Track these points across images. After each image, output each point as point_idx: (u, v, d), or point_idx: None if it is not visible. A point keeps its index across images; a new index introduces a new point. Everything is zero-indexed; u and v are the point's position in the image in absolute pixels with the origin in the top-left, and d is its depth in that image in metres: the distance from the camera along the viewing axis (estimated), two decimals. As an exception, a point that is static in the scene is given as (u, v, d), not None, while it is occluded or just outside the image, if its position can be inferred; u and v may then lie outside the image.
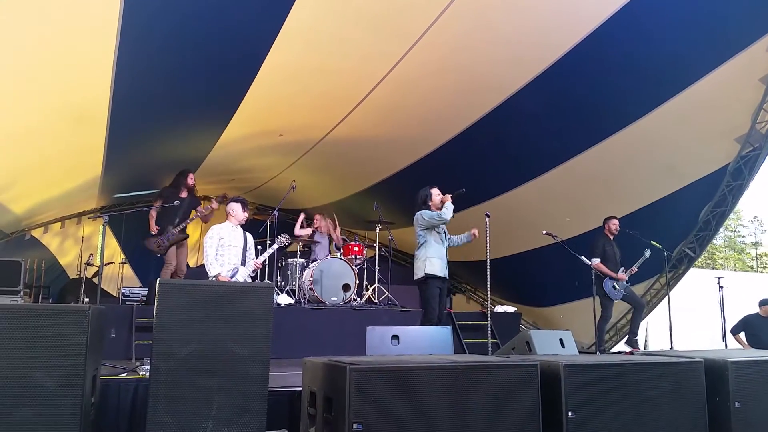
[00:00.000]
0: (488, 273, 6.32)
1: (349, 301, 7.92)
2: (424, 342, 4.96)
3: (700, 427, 3.66)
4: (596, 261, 7.40)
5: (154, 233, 7.50)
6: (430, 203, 6.32)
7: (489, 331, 6.38)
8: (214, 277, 6.13)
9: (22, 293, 8.17)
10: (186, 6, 5.18)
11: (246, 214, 6.43)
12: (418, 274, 6.18)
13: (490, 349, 6.34)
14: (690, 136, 7.13)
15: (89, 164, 8.13)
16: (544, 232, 7.25)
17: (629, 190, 8.03)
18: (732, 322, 8.15)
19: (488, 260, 6.33)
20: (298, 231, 9.10)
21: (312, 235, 9.23)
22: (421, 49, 6.11)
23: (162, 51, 5.71)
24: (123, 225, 11.07)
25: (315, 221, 9.49)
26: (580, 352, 6.34)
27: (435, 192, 6.35)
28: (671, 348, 7.47)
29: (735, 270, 39.07)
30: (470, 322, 7.95)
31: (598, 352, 7.38)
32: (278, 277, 8.68)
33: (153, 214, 7.58)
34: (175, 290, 3.44)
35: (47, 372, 3.13)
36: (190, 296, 3.43)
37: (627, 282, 7.59)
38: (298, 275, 8.18)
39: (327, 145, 8.79)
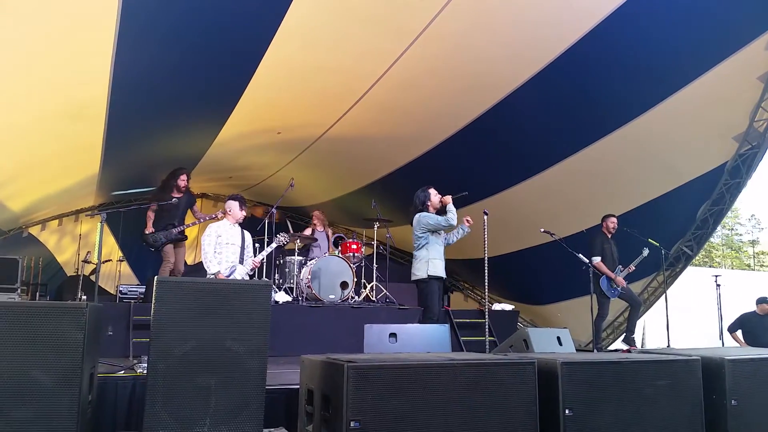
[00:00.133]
0: (486, 271, 6.33)
1: (347, 298, 7.92)
2: (421, 340, 4.96)
3: (696, 424, 3.67)
4: (597, 259, 7.40)
5: (152, 232, 7.48)
6: (428, 204, 6.31)
7: (486, 329, 6.39)
8: (213, 275, 6.14)
9: (19, 291, 8.18)
10: (184, 3, 5.17)
11: (243, 213, 6.43)
12: (419, 274, 6.19)
13: (487, 347, 6.35)
14: (688, 134, 7.13)
15: (87, 161, 8.12)
16: (542, 230, 7.26)
17: (627, 188, 8.04)
18: (729, 320, 8.17)
19: (486, 258, 6.34)
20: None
21: (312, 234, 9.23)
22: (419, 47, 6.11)
23: (160, 48, 5.70)
24: (121, 222, 11.06)
25: (313, 218, 9.48)
26: (577, 350, 6.35)
27: (433, 193, 6.35)
28: (668, 346, 7.48)
29: (732, 268, 39.12)
30: (468, 320, 7.95)
31: (595, 350, 7.40)
32: (276, 275, 8.67)
33: (150, 215, 7.55)
34: (172, 288, 3.44)
35: (44, 370, 3.12)
36: (188, 294, 3.42)
37: (624, 280, 7.59)
38: (296, 273, 8.18)
39: (325, 143, 8.78)
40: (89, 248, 10.35)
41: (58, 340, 3.17)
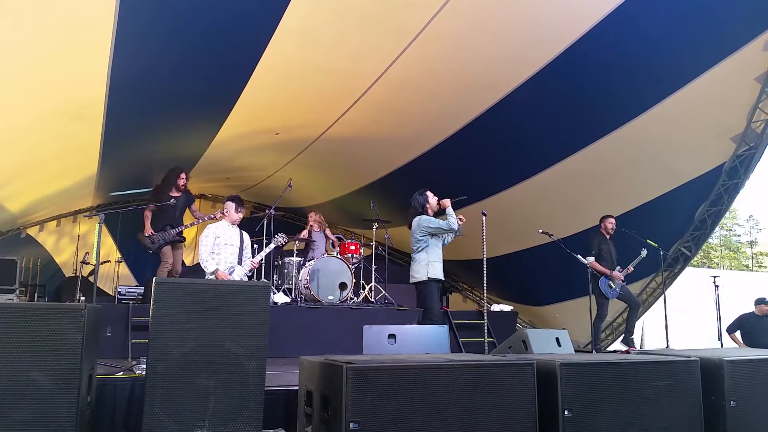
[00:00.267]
0: (485, 272, 6.33)
1: (346, 299, 7.92)
2: (420, 341, 4.97)
3: (695, 425, 3.67)
4: (591, 259, 7.41)
5: (150, 234, 7.46)
6: (427, 207, 6.33)
7: (485, 330, 6.39)
8: (212, 273, 6.13)
9: (17, 292, 8.17)
10: (182, 3, 5.17)
11: (239, 215, 6.40)
12: (419, 276, 6.19)
13: (486, 348, 6.35)
14: (686, 135, 7.14)
15: (85, 162, 8.11)
16: (541, 230, 7.25)
17: (625, 188, 8.04)
18: (728, 321, 8.17)
19: (485, 259, 6.34)
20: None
21: (309, 235, 9.22)
22: (418, 47, 6.11)
23: (158, 49, 5.70)
24: (119, 223, 11.04)
25: (309, 219, 9.47)
26: (576, 351, 6.35)
27: (431, 195, 6.38)
28: (667, 347, 7.49)
29: (731, 269, 39.17)
30: (467, 321, 7.95)
31: (594, 351, 7.39)
32: (275, 276, 8.67)
33: (148, 214, 7.52)
34: (171, 289, 3.44)
35: (43, 371, 3.12)
36: (187, 295, 3.42)
37: (623, 281, 7.60)
38: (294, 274, 8.18)
39: (323, 144, 8.78)
40: (88, 249, 10.34)
41: (56, 342, 3.16)
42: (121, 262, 10.35)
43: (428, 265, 6.15)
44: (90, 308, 3.34)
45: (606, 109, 7.00)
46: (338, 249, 8.91)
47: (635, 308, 7.85)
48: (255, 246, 7.08)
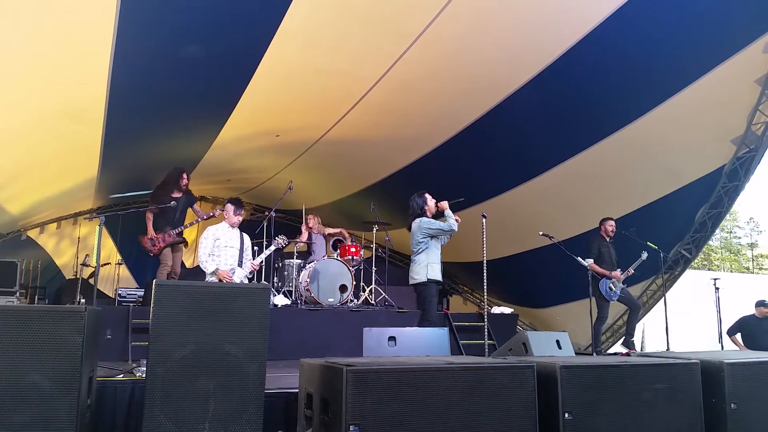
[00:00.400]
0: (485, 274, 6.33)
1: (346, 302, 7.92)
2: (421, 343, 4.96)
3: (696, 428, 3.67)
4: (590, 261, 7.41)
5: (152, 237, 7.45)
6: (426, 209, 6.35)
7: (486, 333, 6.40)
8: (212, 273, 6.12)
9: (18, 294, 8.17)
10: (183, 5, 5.17)
11: (238, 218, 6.39)
12: (419, 278, 6.21)
13: (486, 350, 6.35)
14: (686, 137, 7.14)
15: (86, 164, 8.11)
16: (541, 233, 7.25)
17: (625, 191, 8.04)
18: (728, 323, 8.17)
19: (485, 261, 6.34)
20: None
21: (309, 238, 9.22)
22: (418, 49, 6.11)
23: (159, 50, 5.70)
24: (119, 225, 11.03)
25: (308, 220, 9.47)
26: (576, 353, 6.35)
27: (429, 198, 6.40)
28: (668, 349, 7.48)
29: (731, 271, 39.20)
30: (467, 324, 7.94)
31: (594, 354, 7.39)
32: (275, 278, 8.67)
33: (149, 216, 7.52)
34: (171, 291, 3.44)
35: (43, 373, 3.11)
36: (187, 297, 3.42)
37: (623, 283, 7.60)
38: (294, 276, 8.18)
39: (324, 146, 8.78)
40: (88, 251, 10.35)
41: (56, 344, 3.16)
42: (121, 264, 10.33)
43: (428, 267, 6.16)
44: (90, 310, 3.34)
45: (606, 111, 7.00)
46: (347, 239, 8.85)
47: (636, 311, 7.85)
48: (255, 248, 7.07)
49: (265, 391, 3.49)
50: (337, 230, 9.85)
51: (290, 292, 8.13)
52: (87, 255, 9.82)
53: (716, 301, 7.52)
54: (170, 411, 3.24)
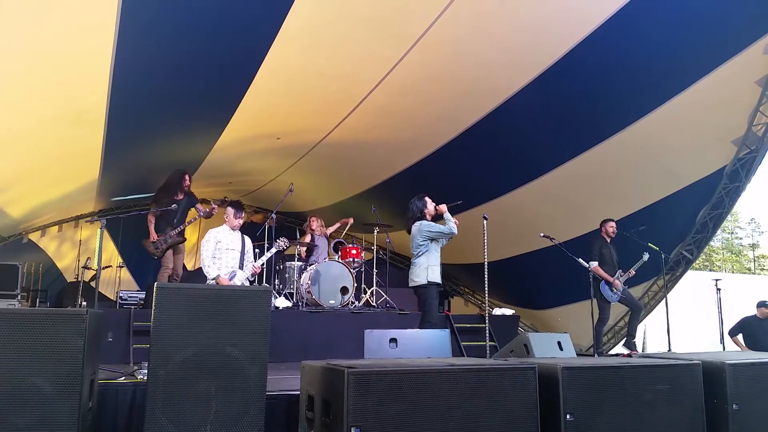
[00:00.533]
0: (486, 275, 6.33)
1: (347, 304, 7.91)
2: (422, 345, 4.96)
3: (697, 429, 3.66)
4: (594, 264, 7.41)
5: (154, 240, 7.45)
6: (426, 212, 6.37)
7: (487, 334, 6.39)
8: (213, 279, 6.14)
9: (19, 297, 8.17)
10: (183, 8, 5.18)
11: (239, 221, 6.41)
12: (419, 280, 6.22)
13: (488, 351, 6.35)
14: (687, 138, 7.14)
15: (87, 167, 8.12)
16: (542, 234, 7.25)
17: (626, 192, 8.04)
18: (730, 324, 8.17)
19: (486, 263, 6.34)
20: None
21: (312, 240, 9.22)
22: (419, 52, 6.12)
23: (160, 52, 5.70)
24: (120, 228, 11.07)
25: (311, 223, 9.47)
26: (578, 354, 6.35)
27: (429, 201, 6.43)
28: (669, 350, 7.48)
29: (732, 272, 39.15)
30: (468, 325, 7.94)
31: (596, 355, 7.38)
32: (276, 280, 8.67)
33: (151, 218, 7.52)
34: (172, 294, 3.44)
35: (45, 376, 3.12)
36: (188, 300, 3.42)
37: (624, 284, 7.59)
38: (296, 278, 8.18)
39: (325, 148, 8.79)
40: (89, 254, 10.35)
41: (58, 347, 3.16)
42: (122, 267, 10.35)
43: (428, 269, 6.19)
44: (91, 313, 3.34)
45: (607, 112, 7.00)
46: (349, 224, 9.05)
47: (637, 312, 7.84)
48: (256, 250, 7.08)
49: (267, 393, 3.49)
50: (337, 225, 9.79)
51: (291, 294, 8.13)
52: (88, 258, 9.82)
53: (718, 302, 7.52)
54: (172, 413, 3.24)
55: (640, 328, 8.53)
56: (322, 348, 6.66)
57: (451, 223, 6.26)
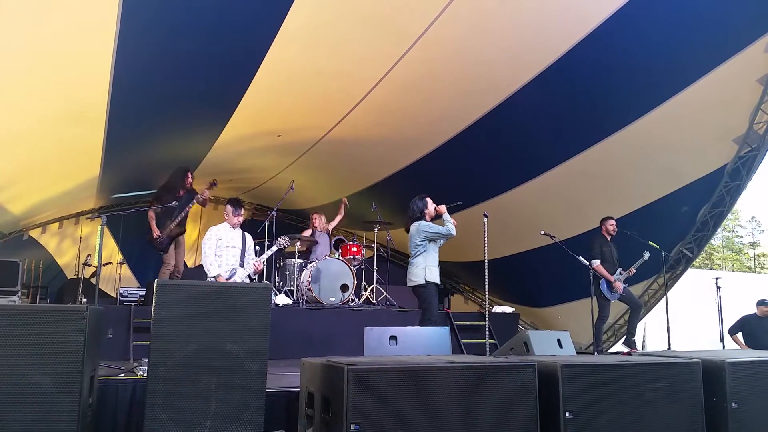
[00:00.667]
0: (486, 273, 6.34)
1: (347, 301, 7.92)
2: (422, 342, 4.96)
3: (697, 427, 3.66)
4: (596, 262, 7.41)
5: (158, 236, 7.46)
6: (426, 213, 6.37)
7: (487, 332, 6.39)
8: (214, 278, 6.15)
9: (19, 293, 8.18)
10: (183, 8, 5.18)
11: (238, 218, 6.40)
12: (417, 280, 6.22)
13: (488, 349, 6.36)
14: (688, 137, 7.14)
15: (87, 164, 8.12)
16: (542, 232, 7.25)
17: (627, 190, 8.04)
18: (730, 322, 8.16)
19: (486, 260, 6.34)
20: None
21: (312, 235, 9.22)
22: (419, 50, 6.12)
23: (160, 51, 5.71)
24: (121, 225, 11.07)
25: (313, 219, 9.47)
26: (577, 352, 6.35)
27: (430, 201, 6.42)
28: (669, 348, 7.48)
29: (733, 270, 39.15)
30: (468, 323, 7.94)
31: (595, 353, 7.39)
32: (276, 278, 8.67)
33: (152, 215, 7.53)
34: (173, 291, 3.44)
35: (45, 373, 3.12)
36: (189, 297, 3.43)
37: (624, 283, 7.59)
38: (296, 275, 8.18)
39: (325, 146, 8.79)
40: (90, 251, 10.36)
41: (58, 343, 3.17)
42: (122, 263, 10.36)
43: (426, 269, 6.19)
44: (92, 310, 3.34)
45: (607, 111, 7.00)
46: (346, 206, 9.15)
47: (637, 310, 7.85)
48: (257, 248, 7.09)
49: (267, 390, 3.50)
50: (338, 218, 9.75)
51: (292, 291, 8.13)
52: (89, 255, 9.84)
53: (718, 300, 7.51)
54: (172, 410, 3.25)
55: (639, 326, 8.54)
56: (322, 345, 6.66)
57: (450, 224, 6.26)
